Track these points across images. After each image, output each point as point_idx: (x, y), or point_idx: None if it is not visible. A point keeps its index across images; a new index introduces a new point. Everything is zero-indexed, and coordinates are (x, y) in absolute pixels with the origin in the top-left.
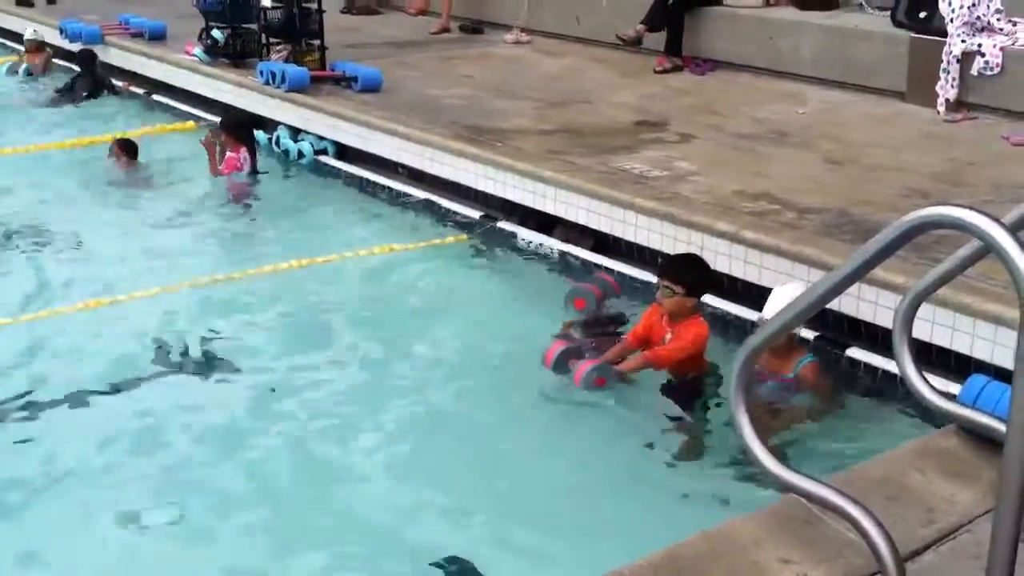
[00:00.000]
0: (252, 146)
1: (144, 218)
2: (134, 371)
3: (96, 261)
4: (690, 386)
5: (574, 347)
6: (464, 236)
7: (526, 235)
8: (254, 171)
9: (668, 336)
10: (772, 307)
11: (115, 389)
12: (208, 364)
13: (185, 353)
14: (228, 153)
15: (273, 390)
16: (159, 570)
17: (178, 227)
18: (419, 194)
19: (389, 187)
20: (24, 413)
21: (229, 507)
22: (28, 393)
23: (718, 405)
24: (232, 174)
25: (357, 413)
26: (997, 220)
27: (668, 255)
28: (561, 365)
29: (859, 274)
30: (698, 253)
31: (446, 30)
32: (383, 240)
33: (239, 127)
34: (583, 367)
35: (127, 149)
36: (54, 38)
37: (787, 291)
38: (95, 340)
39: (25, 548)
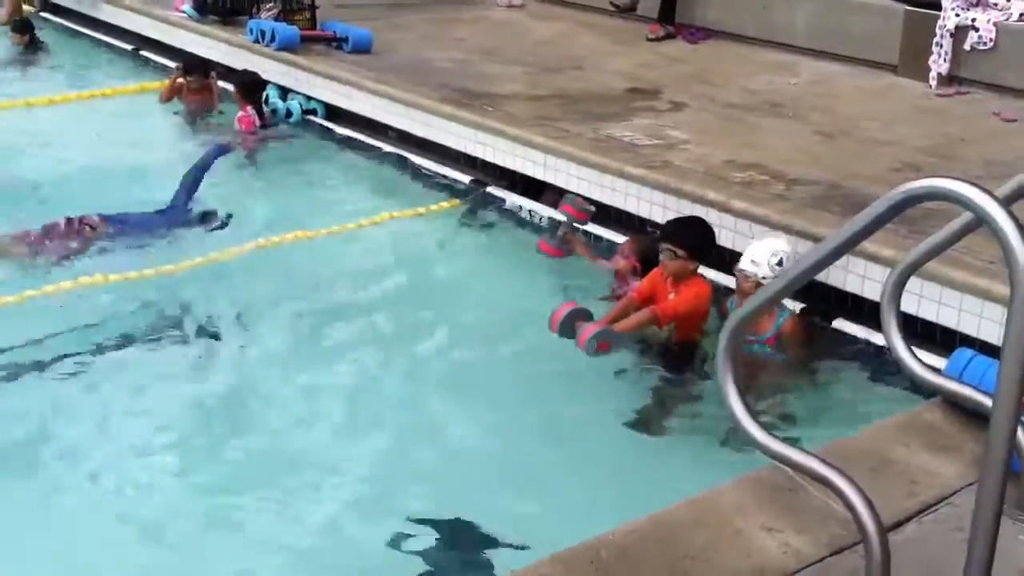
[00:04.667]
0: (259, 104)
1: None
2: (134, 345)
3: None
4: (687, 353)
5: (581, 309)
6: (456, 201)
7: (516, 200)
8: (263, 126)
9: (672, 296)
10: (748, 259)
11: (113, 364)
12: (209, 338)
13: (183, 327)
14: (240, 112)
15: (271, 361)
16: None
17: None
18: (410, 157)
19: (379, 149)
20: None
21: (232, 472)
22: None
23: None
24: (245, 131)
25: (354, 382)
26: (990, 192)
27: (671, 219)
28: (568, 327)
29: (849, 245)
30: None
31: None
32: (371, 205)
33: (247, 85)
34: (586, 332)
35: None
36: None
37: (765, 245)
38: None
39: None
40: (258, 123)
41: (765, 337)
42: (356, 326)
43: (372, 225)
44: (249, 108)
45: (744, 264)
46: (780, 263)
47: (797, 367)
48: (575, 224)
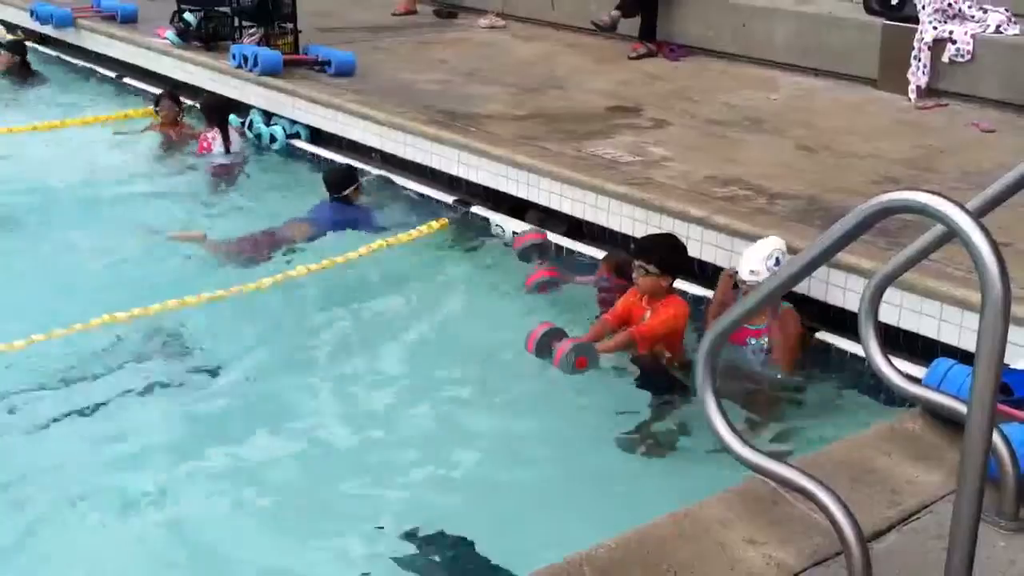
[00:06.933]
0: (225, 127)
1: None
2: (119, 386)
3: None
4: (665, 371)
5: (557, 329)
6: (444, 222)
7: (499, 220)
8: (227, 152)
9: (647, 315)
10: (747, 262)
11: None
12: (199, 373)
13: (177, 364)
14: (202, 135)
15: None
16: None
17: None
18: (396, 179)
19: (365, 172)
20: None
21: (228, 495)
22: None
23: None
24: (205, 155)
25: (344, 408)
26: (960, 205)
27: (642, 236)
28: (544, 347)
29: (824, 257)
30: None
31: (412, 12)
32: (358, 232)
33: (211, 108)
34: (562, 348)
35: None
36: (24, 20)
37: (759, 250)
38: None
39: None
40: (215, 147)
41: (763, 326)
42: (347, 354)
43: (356, 254)
44: (214, 131)
45: (744, 275)
46: (777, 262)
47: (790, 373)
48: (538, 244)
